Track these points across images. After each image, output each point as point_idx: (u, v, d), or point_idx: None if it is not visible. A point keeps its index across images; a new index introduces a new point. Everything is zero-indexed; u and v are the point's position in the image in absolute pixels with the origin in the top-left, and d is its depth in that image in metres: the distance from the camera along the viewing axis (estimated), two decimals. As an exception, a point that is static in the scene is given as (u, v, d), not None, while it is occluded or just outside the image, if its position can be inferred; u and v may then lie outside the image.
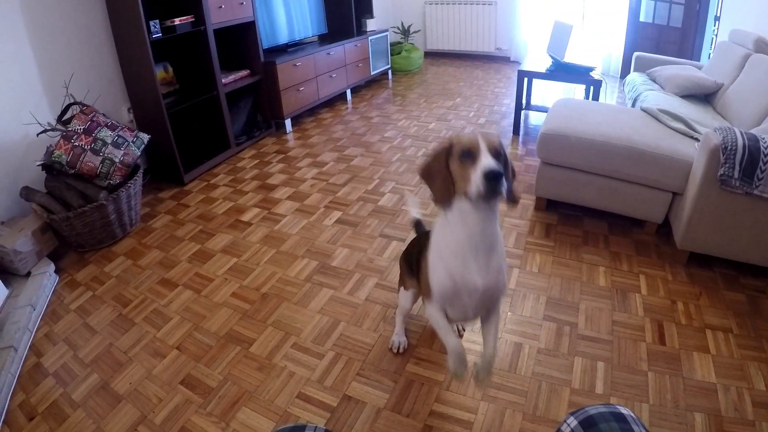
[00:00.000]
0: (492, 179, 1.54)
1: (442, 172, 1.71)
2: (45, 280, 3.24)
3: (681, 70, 5.01)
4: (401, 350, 2.62)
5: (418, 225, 2.68)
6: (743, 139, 2.77)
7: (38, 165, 3.53)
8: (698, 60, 6.63)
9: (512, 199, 1.79)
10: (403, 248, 2.63)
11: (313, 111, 6.75)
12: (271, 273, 3.31)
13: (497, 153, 1.63)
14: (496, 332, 2.03)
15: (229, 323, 2.88)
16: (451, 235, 1.78)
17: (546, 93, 7.18)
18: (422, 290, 2.04)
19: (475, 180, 1.57)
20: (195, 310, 3.01)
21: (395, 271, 3.22)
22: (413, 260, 2.25)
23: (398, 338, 2.65)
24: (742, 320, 2.75)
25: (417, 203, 3.09)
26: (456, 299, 1.89)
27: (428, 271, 1.92)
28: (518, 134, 5.52)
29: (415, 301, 2.50)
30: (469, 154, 1.63)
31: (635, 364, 2.48)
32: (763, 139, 2.78)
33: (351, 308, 2.96)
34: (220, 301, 3.07)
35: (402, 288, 2.52)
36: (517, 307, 2.90)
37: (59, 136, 3.51)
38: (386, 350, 2.62)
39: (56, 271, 3.44)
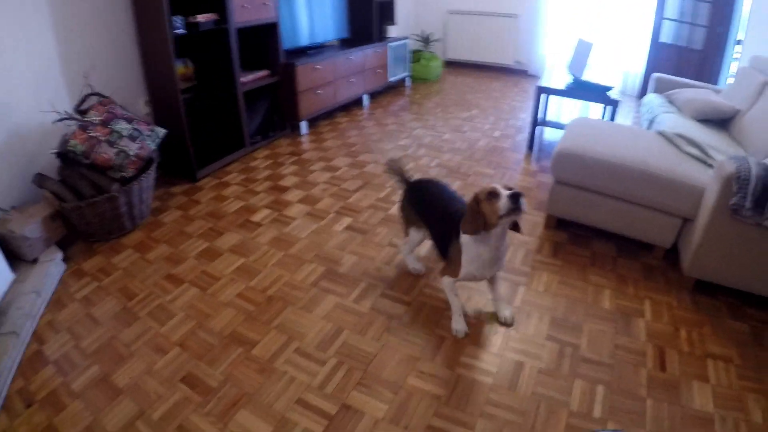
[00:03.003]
0: (515, 198, 2.32)
1: (476, 213, 2.48)
2: (52, 267, 3.26)
3: (699, 93, 4.98)
4: (422, 271, 3.35)
5: (392, 165, 3.32)
6: (757, 169, 2.76)
7: (53, 153, 3.55)
8: (717, 84, 6.62)
9: (517, 226, 2.62)
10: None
11: (329, 114, 6.76)
12: (277, 276, 3.32)
13: (510, 188, 2.39)
14: (498, 285, 2.98)
15: (233, 324, 2.88)
16: (479, 250, 2.61)
17: (562, 109, 7.17)
18: (449, 269, 2.81)
19: (503, 203, 2.34)
20: (200, 308, 3.02)
21: (402, 282, 3.25)
22: (423, 214, 3.05)
23: (414, 265, 3.36)
24: (744, 351, 2.74)
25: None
26: (472, 279, 2.81)
27: (460, 265, 2.69)
28: (532, 150, 5.51)
29: (425, 235, 3.14)
30: (493, 194, 2.39)
31: (635, 390, 2.47)
32: (777, 170, 2.78)
33: (356, 316, 2.95)
34: (226, 301, 3.07)
35: (413, 228, 3.20)
36: (520, 325, 2.89)
37: (76, 126, 3.53)
38: (388, 361, 2.63)
39: (64, 260, 3.45)
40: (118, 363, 2.61)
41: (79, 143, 3.48)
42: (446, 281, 2.86)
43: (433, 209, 2.97)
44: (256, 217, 4.03)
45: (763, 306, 3.10)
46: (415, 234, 3.20)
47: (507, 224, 2.50)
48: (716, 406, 2.39)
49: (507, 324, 2.90)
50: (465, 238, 2.62)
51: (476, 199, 2.47)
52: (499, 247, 2.61)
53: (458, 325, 2.85)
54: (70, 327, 2.87)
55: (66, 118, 3.57)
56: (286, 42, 5.72)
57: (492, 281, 2.94)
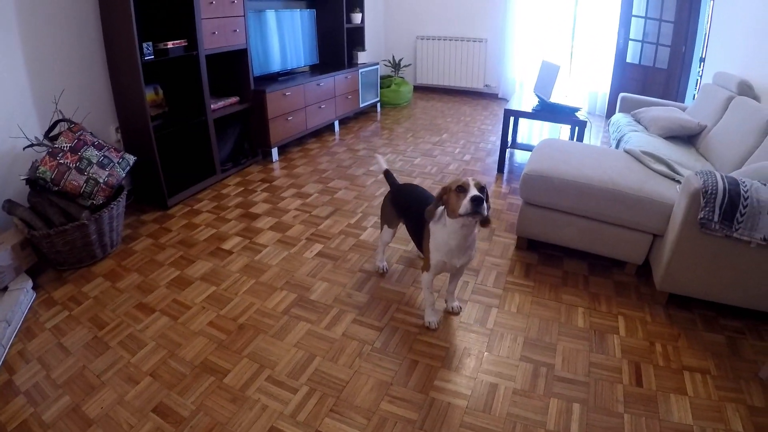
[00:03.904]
0: (475, 202, 2.45)
1: (439, 201, 2.70)
2: (22, 296, 3.20)
3: (665, 111, 5.07)
4: (385, 270, 3.63)
5: (388, 175, 3.52)
6: (724, 183, 2.81)
7: (22, 179, 3.52)
8: (683, 101, 6.75)
9: (485, 221, 2.67)
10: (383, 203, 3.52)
11: (300, 141, 6.77)
12: (249, 304, 3.28)
13: (482, 188, 2.54)
14: (457, 283, 3.21)
15: (205, 352, 2.84)
16: (446, 239, 2.75)
17: (532, 131, 7.25)
18: (425, 262, 2.97)
19: (465, 203, 2.47)
20: (171, 337, 2.97)
21: (374, 308, 3.24)
22: (402, 211, 3.28)
23: (382, 263, 3.63)
24: (721, 361, 2.77)
25: (383, 160, 3.66)
26: (443, 268, 2.92)
27: (429, 254, 2.88)
28: (503, 172, 5.55)
29: (394, 235, 3.50)
30: (462, 189, 2.53)
31: (611, 406, 2.46)
32: (743, 183, 2.82)
33: (327, 343, 2.92)
34: (197, 330, 3.03)
35: (386, 226, 3.45)
36: (494, 348, 2.88)
37: (45, 152, 3.50)
38: (361, 387, 2.60)
39: (34, 288, 3.40)
40: (89, 393, 2.56)
41: (48, 170, 3.45)
42: (424, 278, 3.01)
43: (411, 206, 3.19)
44: (227, 245, 4.00)
45: (737, 316, 3.13)
46: (386, 233, 3.48)
47: (473, 219, 2.62)
48: (695, 418, 2.40)
49: (454, 313, 3.20)
50: (432, 226, 2.85)
51: (446, 190, 2.67)
52: (466, 236, 2.75)
53: (431, 317, 3.07)
54: (40, 357, 2.82)
55: (36, 144, 3.54)
56: (257, 68, 5.76)
57: (454, 277, 3.18)
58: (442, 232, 2.78)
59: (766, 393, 2.56)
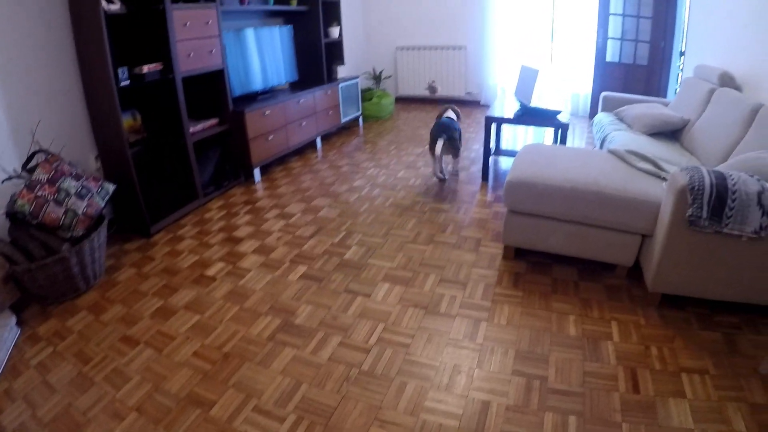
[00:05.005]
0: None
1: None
2: (6, 333, 3.14)
3: (648, 108, 5.04)
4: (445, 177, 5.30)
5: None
6: (710, 178, 2.77)
7: (1, 213, 3.48)
8: (665, 96, 6.80)
9: None
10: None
11: (282, 159, 6.72)
12: (233, 331, 3.22)
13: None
14: None
15: (190, 384, 2.78)
16: None
17: (516, 136, 7.24)
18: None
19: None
20: (155, 369, 2.91)
21: (360, 330, 3.17)
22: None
23: (442, 173, 5.20)
24: (719, 359, 2.72)
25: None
26: None
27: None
28: (487, 180, 5.51)
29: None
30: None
31: (609, 416, 2.41)
32: (731, 176, 2.79)
33: (314, 369, 2.86)
34: (182, 361, 2.97)
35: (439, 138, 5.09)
36: (484, 363, 2.82)
37: (23, 185, 3.45)
38: (349, 412, 2.53)
39: (18, 324, 3.34)
40: (74, 432, 2.50)
41: (26, 203, 3.41)
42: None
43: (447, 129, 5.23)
44: (211, 271, 3.94)
45: (733, 311, 3.09)
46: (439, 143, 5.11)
47: None
48: (696, 421, 2.35)
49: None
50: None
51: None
52: None
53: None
54: (26, 395, 2.76)
55: (13, 177, 3.50)
56: (237, 88, 5.72)
57: None
58: None
59: (767, 389, 2.52)
